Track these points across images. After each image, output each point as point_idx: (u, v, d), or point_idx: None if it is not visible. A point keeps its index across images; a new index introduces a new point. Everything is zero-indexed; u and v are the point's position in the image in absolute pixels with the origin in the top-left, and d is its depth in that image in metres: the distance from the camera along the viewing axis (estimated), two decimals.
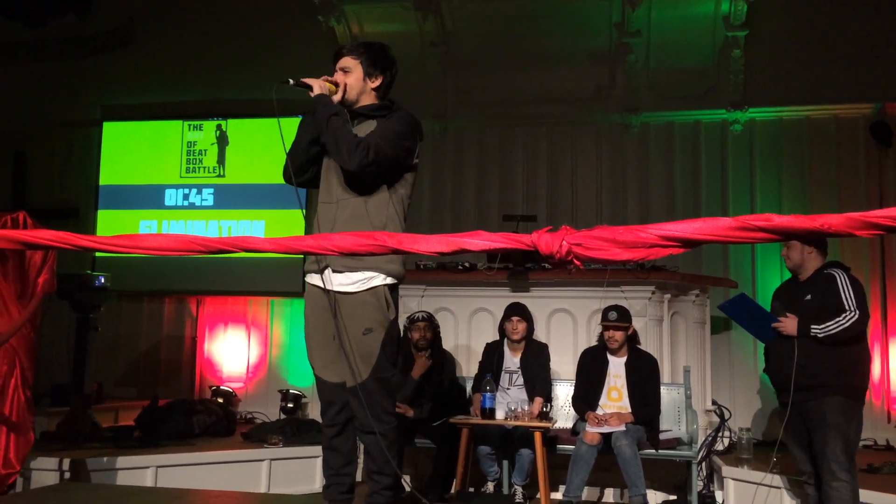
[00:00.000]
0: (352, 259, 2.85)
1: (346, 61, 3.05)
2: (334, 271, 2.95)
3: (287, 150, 3.07)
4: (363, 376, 2.91)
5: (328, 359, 3.02)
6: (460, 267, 5.71)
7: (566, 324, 5.66)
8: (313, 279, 3.03)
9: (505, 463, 5.08)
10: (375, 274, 2.93)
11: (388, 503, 3.00)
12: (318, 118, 2.91)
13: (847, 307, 3.93)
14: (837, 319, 3.91)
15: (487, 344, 5.31)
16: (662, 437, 4.91)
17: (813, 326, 3.95)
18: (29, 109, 8.37)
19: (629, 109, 7.32)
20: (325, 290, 2.95)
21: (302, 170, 3.07)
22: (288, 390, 6.87)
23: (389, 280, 2.96)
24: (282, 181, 3.08)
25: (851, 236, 1.35)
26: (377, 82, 3.06)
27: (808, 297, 4.07)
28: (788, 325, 4.02)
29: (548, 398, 5.03)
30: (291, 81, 2.93)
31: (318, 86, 2.96)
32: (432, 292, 5.80)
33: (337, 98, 2.99)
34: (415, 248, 1.68)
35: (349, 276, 2.93)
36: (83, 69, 8.34)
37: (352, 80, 3.03)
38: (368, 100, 3.07)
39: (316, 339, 3.05)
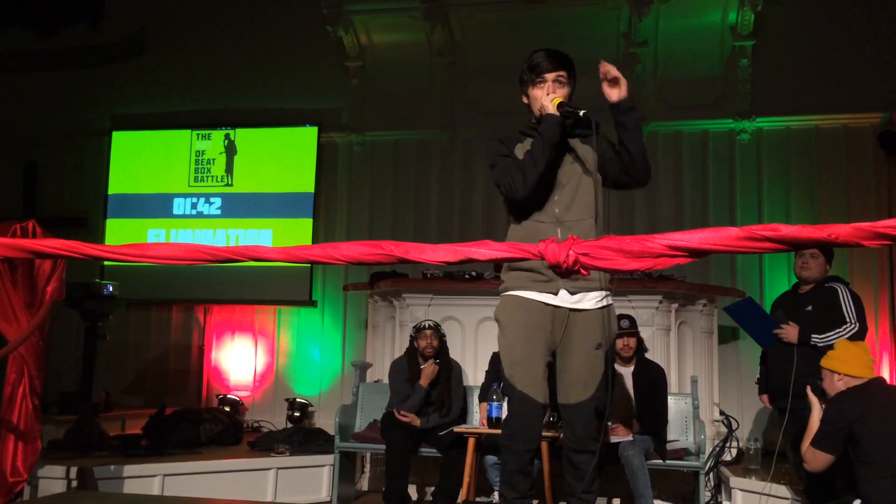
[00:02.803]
0: (586, 280, 2.82)
1: (564, 75, 3.07)
2: (570, 293, 2.94)
3: (537, 166, 3.02)
4: (591, 391, 2.94)
5: (538, 378, 2.95)
6: (467, 276, 5.70)
7: None
8: (546, 298, 2.95)
9: None
10: (606, 293, 2.99)
11: None
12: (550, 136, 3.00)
13: (848, 319, 4.14)
14: (838, 330, 4.11)
15: (494, 353, 5.27)
16: (670, 447, 4.88)
17: (814, 336, 4.16)
18: (39, 118, 8.42)
19: None
20: (552, 306, 2.95)
21: (538, 185, 3.01)
22: (295, 399, 6.88)
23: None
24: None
25: (860, 246, 1.34)
26: None
27: (810, 307, 4.27)
28: (790, 332, 4.23)
29: (554, 408, 5.00)
30: (580, 112, 2.96)
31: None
32: (439, 301, 5.79)
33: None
34: (422, 258, 1.67)
35: (587, 295, 2.96)
36: (94, 79, 8.40)
37: (565, 93, 3.11)
38: None
39: (531, 357, 2.94)
